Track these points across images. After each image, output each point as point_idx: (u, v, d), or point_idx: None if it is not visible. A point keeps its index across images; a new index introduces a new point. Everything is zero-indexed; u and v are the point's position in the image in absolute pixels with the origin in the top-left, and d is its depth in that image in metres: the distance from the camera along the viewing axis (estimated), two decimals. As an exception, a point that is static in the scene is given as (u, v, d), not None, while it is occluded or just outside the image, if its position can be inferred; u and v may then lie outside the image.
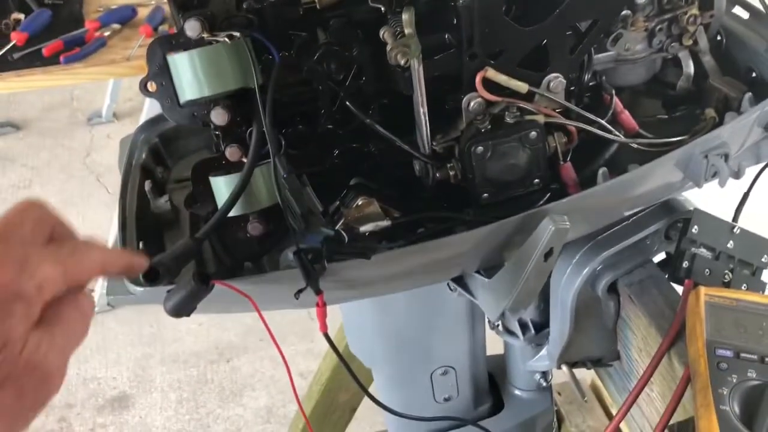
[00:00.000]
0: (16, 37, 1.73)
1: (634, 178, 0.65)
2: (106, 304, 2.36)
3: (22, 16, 1.81)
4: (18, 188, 2.96)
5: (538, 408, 1.12)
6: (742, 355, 0.67)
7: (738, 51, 0.78)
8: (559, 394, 2.03)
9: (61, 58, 1.68)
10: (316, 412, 1.59)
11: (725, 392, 0.65)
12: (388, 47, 0.59)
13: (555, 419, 1.96)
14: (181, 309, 0.59)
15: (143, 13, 1.89)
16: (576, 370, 0.98)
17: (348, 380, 1.58)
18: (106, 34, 1.80)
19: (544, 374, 1.10)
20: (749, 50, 0.76)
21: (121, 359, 2.26)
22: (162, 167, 0.88)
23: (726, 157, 0.64)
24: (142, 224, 0.76)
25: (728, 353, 0.67)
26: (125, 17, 1.86)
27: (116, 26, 1.82)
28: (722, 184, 0.64)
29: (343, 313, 1.00)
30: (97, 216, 2.75)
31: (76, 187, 2.93)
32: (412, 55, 0.58)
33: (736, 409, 0.63)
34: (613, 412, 1.80)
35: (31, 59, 1.70)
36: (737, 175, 0.66)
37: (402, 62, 0.59)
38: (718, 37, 0.80)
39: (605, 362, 0.95)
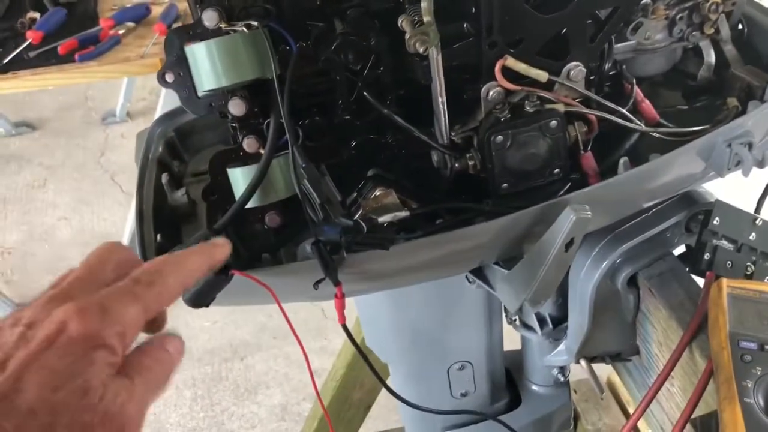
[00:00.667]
0: (31, 36, 1.74)
1: (656, 168, 0.64)
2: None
3: (37, 15, 1.83)
4: (33, 187, 2.98)
5: (555, 404, 1.11)
6: (767, 347, 0.66)
7: (760, 40, 0.77)
8: (575, 391, 2.01)
9: (76, 57, 1.69)
10: (330, 410, 1.58)
11: (749, 384, 0.64)
12: (407, 36, 0.58)
13: (571, 418, 1.95)
14: (201, 299, 0.58)
15: (157, 11, 1.90)
16: (592, 368, 0.98)
17: (363, 377, 1.57)
18: (121, 32, 1.80)
19: (562, 369, 1.09)
20: (771, 38, 0.75)
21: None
22: (178, 161, 0.88)
23: (750, 145, 0.63)
24: (160, 217, 0.76)
25: (752, 345, 0.67)
26: (139, 15, 1.87)
27: (130, 24, 1.83)
28: (746, 173, 0.63)
29: (359, 307, 1.00)
30: (111, 215, 2.77)
31: (91, 187, 2.95)
32: (431, 43, 0.57)
33: (761, 402, 0.62)
34: (630, 410, 1.79)
35: (46, 57, 1.71)
36: (761, 164, 0.65)
37: (421, 50, 0.58)
38: (740, 26, 0.79)
39: (624, 357, 0.94)
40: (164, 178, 0.78)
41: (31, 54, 1.72)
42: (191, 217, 0.79)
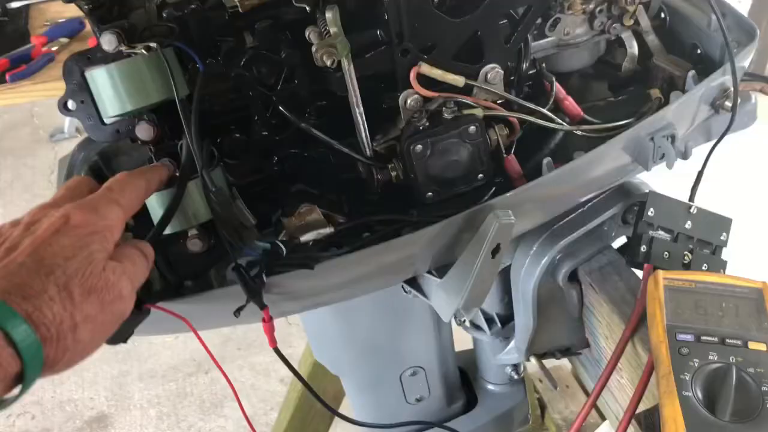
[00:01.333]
0: (-41, 58, 1.68)
1: (580, 166, 0.63)
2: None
3: (-36, 36, 1.77)
4: (-18, 211, 2.90)
5: (512, 401, 1.11)
6: (703, 338, 0.66)
7: (683, 28, 0.77)
8: (540, 381, 2.02)
9: (7, 77, 1.64)
10: (294, 420, 1.56)
11: (687, 377, 0.63)
12: (314, 48, 0.56)
13: (538, 408, 1.95)
14: (116, 335, 0.56)
15: (91, 25, 1.85)
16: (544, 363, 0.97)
17: (325, 385, 1.55)
18: (54, 48, 1.75)
19: (516, 367, 1.08)
20: (693, 27, 0.75)
21: (97, 378, 2.22)
22: (104, 185, 0.85)
23: (672, 138, 0.62)
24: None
25: (689, 337, 0.66)
26: (73, 31, 1.82)
27: (64, 40, 1.78)
28: (670, 166, 0.63)
29: (305, 322, 0.98)
30: (64, 234, 2.70)
31: (42, 206, 2.87)
32: (339, 54, 0.56)
33: (699, 394, 0.62)
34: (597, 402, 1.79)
35: (-25, 79, 1.66)
36: (684, 155, 0.65)
37: (328, 63, 0.56)
38: (662, 15, 0.78)
39: (575, 351, 0.94)
40: (85, 205, 0.75)
41: (-40, 77, 1.67)
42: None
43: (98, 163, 0.85)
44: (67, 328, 0.47)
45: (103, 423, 2.10)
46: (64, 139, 3.18)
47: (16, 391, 0.46)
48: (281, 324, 2.27)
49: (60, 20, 1.86)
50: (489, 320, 0.98)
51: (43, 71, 1.70)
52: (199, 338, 0.60)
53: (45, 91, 1.69)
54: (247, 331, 2.27)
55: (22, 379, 0.45)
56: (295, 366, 1.59)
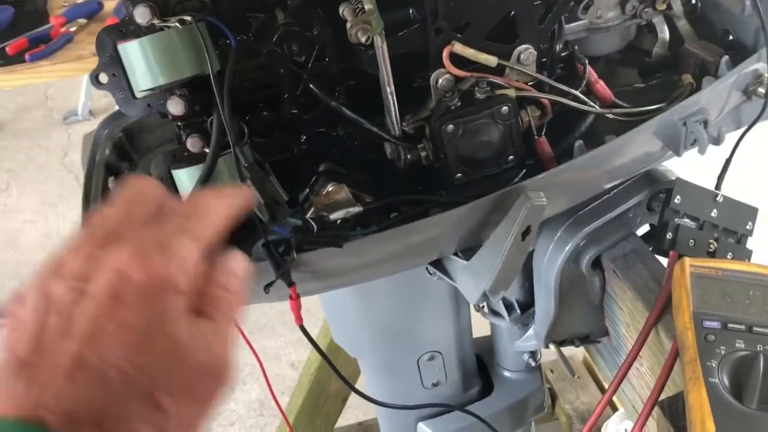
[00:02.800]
0: (-22, 37, 1.69)
1: (612, 150, 0.63)
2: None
3: (-17, 15, 1.77)
4: (-5, 192, 2.91)
5: (528, 388, 1.11)
6: (730, 325, 0.66)
7: (714, 14, 0.76)
8: (552, 371, 2.02)
9: (27, 56, 1.64)
10: (306, 404, 1.57)
11: (714, 364, 0.63)
12: (348, 25, 0.56)
13: (548, 398, 1.95)
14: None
15: (110, 6, 1.85)
16: (567, 348, 0.97)
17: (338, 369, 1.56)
18: (72, 29, 1.75)
19: (533, 354, 1.08)
20: (725, 13, 0.74)
21: (109, 360, 2.23)
22: (128, 162, 0.85)
23: (705, 123, 0.62)
24: (108, 223, 0.74)
25: (715, 324, 0.66)
26: (91, 11, 1.82)
27: (82, 21, 1.78)
28: (702, 151, 0.62)
29: (324, 304, 0.98)
30: (77, 216, 2.71)
31: (55, 188, 2.88)
32: (374, 32, 0.55)
33: (726, 381, 0.62)
34: (606, 387, 1.79)
35: (-6, 59, 1.66)
36: (717, 141, 0.64)
37: (363, 40, 0.56)
38: (693, 1, 0.77)
39: (593, 339, 0.93)
40: (111, 182, 0.75)
41: (-22, 56, 1.67)
42: (142, 221, 0.76)
43: (122, 140, 0.86)
44: None
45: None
46: (78, 121, 3.18)
47: None
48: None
49: (78, 1, 1.86)
50: (508, 306, 0.98)
51: (62, 51, 1.70)
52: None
53: (63, 71, 1.69)
54: (258, 315, 2.28)
55: None
56: (308, 352, 1.60)
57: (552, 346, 0.96)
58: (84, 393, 0.33)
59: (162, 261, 0.37)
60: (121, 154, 0.85)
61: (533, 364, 1.08)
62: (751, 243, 0.81)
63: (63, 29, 1.75)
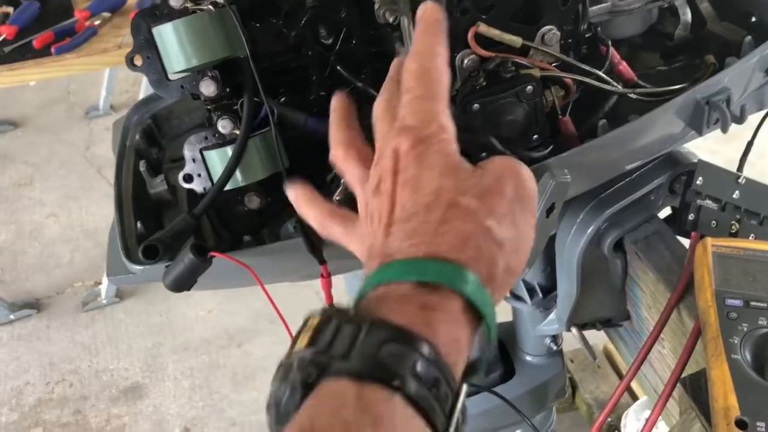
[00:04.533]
0: (5, 31, 1.72)
1: (635, 129, 0.64)
2: (114, 295, 2.37)
3: (10, 10, 1.80)
4: (19, 186, 2.96)
5: (549, 373, 1.12)
6: (752, 303, 0.66)
7: (737, -4, 0.76)
8: (572, 361, 2.02)
9: (53, 50, 1.67)
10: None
11: (736, 341, 0.64)
12: (376, 5, 0.57)
13: (569, 387, 1.95)
14: (181, 283, 0.58)
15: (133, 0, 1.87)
16: (588, 336, 0.98)
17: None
18: (97, 23, 1.78)
19: (555, 339, 1.09)
20: (747, -6, 0.74)
21: (132, 350, 2.26)
22: (157, 147, 0.87)
23: (728, 102, 0.62)
24: (140, 205, 0.76)
25: (738, 302, 0.67)
26: (115, 5, 1.84)
27: (106, 14, 1.81)
28: (725, 129, 0.63)
29: (350, 286, 0.99)
30: (99, 209, 2.75)
31: (77, 182, 2.92)
32: (402, 11, 0.57)
33: (748, 357, 0.63)
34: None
35: (22, 52, 1.69)
36: (740, 120, 0.65)
37: (391, 20, 0.57)
38: (716, -17, 0.78)
39: (615, 323, 0.94)
40: (142, 165, 0.77)
41: (6, 49, 1.70)
42: (172, 203, 0.78)
43: (151, 126, 0.88)
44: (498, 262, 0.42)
45: (138, 393, 2.15)
46: (99, 116, 3.22)
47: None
48: (313, 299, 2.29)
49: (102, -5, 1.89)
50: (530, 290, 0.99)
51: (86, 45, 1.72)
52: (264, 288, 0.61)
53: (89, 65, 1.72)
54: (279, 305, 2.30)
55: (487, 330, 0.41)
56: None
57: (574, 330, 0.97)
58: (457, 230, 0.41)
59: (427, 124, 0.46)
60: (150, 139, 0.87)
61: (554, 348, 1.09)
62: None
63: (87, 23, 1.78)
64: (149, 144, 0.86)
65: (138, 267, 0.65)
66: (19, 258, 2.62)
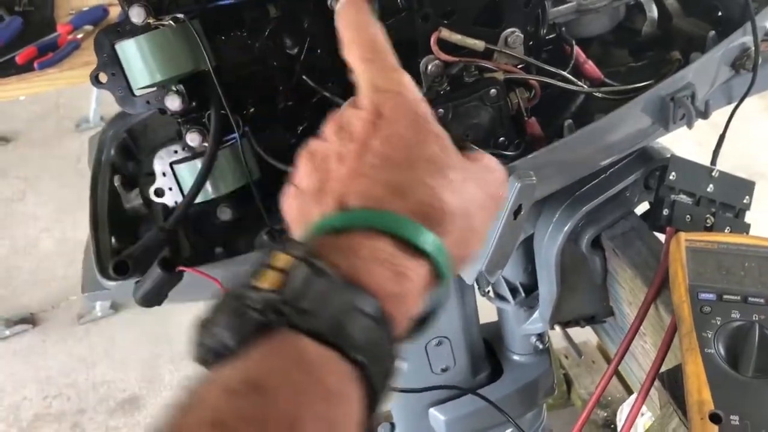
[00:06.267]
0: (-12, 47, 1.72)
1: (601, 127, 0.64)
2: (109, 307, 2.37)
3: (-7, 26, 1.80)
4: (12, 201, 2.96)
5: (537, 371, 1.12)
6: (725, 297, 0.67)
7: (702, -10, 0.77)
8: (566, 357, 2.03)
9: (36, 65, 1.67)
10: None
11: (710, 335, 0.64)
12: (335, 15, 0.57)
13: (564, 383, 1.95)
14: (151, 298, 0.58)
15: (115, 12, 1.87)
16: (582, 332, 0.98)
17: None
18: (79, 36, 1.78)
19: (540, 337, 1.09)
20: (713, -12, 0.75)
21: (129, 361, 2.26)
22: (133, 161, 0.87)
23: (692, 97, 0.63)
24: (115, 220, 0.76)
25: (711, 296, 0.67)
26: (97, 18, 1.84)
27: (89, 28, 1.81)
28: (690, 125, 0.63)
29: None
30: (92, 221, 2.75)
31: (71, 195, 2.92)
32: (362, 20, 0.57)
33: (722, 351, 0.63)
34: (622, 371, 1.80)
35: (5, 68, 1.69)
36: (705, 115, 0.65)
37: (351, 29, 0.57)
38: (682, -21, 0.78)
39: (599, 319, 0.94)
40: (117, 180, 0.77)
41: (-11, 66, 1.70)
42: (148, 217, 0.78)
43: (127, 141, 0.88)
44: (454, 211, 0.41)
45: (136, 404, 2.15)
46: (90, 128, 3.22)
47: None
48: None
49: (84, 8, 1.89)
50: (513, 290, 0.99)
51: (69, 59, 1.72)
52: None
53: (72, 78, 1.72)
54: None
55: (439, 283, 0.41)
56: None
57: (557, 328, 0.97)
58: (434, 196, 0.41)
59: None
60: (126, 154, 0.87)
61: (541, 346, 1.09)
62: (749, 217, 0.82)
63: (70, 37, 1.78)
64: (126, 158, 0.86)
65: (112, 283, 0.65)
66: (13, 273, 2.62)
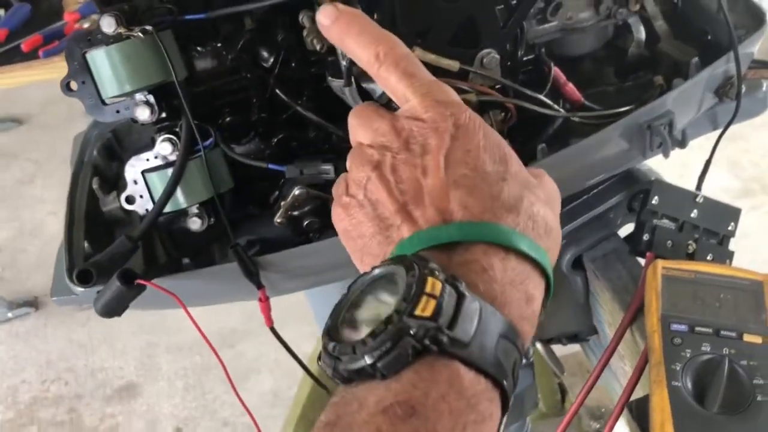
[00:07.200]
0: (-5, 34, 1.73)
1: (576, 152, 0.63)
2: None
3: (1, 12, 1.81)
4: (22, 183, 2.98)
5: (521, 385, 1.11)
6: (697, 328, 0.65)
7: (694, 13, 0.75)
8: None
9: (40, 53, 1.68)
10: (312, 397, 1.59)
11: (678, 368, 0.63)
12: (305, 32, 0.57)
13: (558, 393, 1.94)
14: (111, 309, 0.58)
15: (124, 2, 1.88)
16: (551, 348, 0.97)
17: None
18: (86, 25, 1.78)
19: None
20: (704, 12, 0.73)
21: (127, 349, 2.28)
22: (117, 162, 0.87)
23: (670, 126, 0.61)
24: (92, 224, 0.76)
25: (683, 327, 0.66)
26: (105, 8, 1.85)
27: (95, 17, 1.81)
28: (666, 155, 0.62)
29: (311, 300, 0.99)
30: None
31: (79, 180, 2.94)
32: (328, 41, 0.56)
33: (689, 385, 0.62)
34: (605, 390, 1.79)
35: (11, 55, 1.70)
36: (682, 144, 0.64)
37: (318, 47, 0.57)
38: (675, 0, 0.77)
39: (582, 338, 0.94)
40: (95, 183, 0.77)
41: (-4, 52, 1.72)
42: (125, 222, 0.78)
43: (111, 141, 0.87)
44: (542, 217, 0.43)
45: (132, 392, 2.16)
46: (101, 114, 3.24)
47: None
48: (305, 303, 2.28)
49: (93, -3, 1.89)
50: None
51: (75, 48, 1.73)
52: (189, 314, 0.61)
53: (76, 67, 1.72)
54: (272, 308, 2.31)
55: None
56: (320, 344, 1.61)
57: (538, 345, 0.96)
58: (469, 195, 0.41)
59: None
60: (109, 154, 0.87)
61: (525, 361, 1.09)
62: (733, 244, 0.80)
63: (77, 25, 1.79)
64: (109, 158, 0.86)
65: (79, 289, 0.65)
66: (19, 256, 2.64)
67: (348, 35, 0.48)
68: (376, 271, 0.39)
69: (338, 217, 0.46)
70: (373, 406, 0.34)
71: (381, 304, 0.37)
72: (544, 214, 0.43)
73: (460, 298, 0.36)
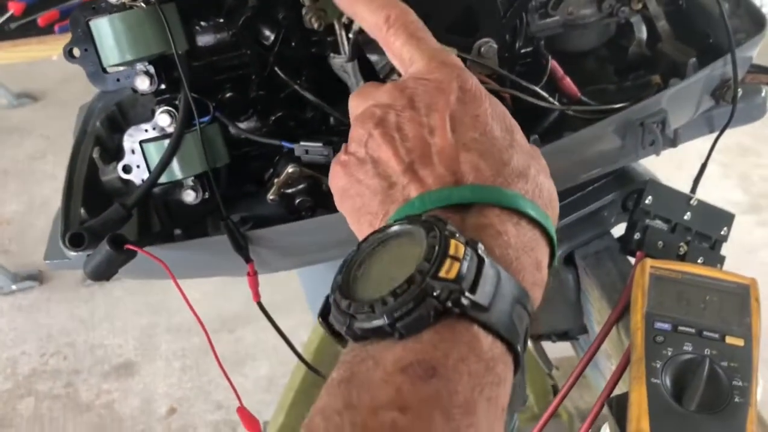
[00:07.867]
0: (13, 7, 1.74)
1: (568, 145, 0.63)
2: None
3: (20, -14, 1.82)
4: (34, 159, 3.01)
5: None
6: (680, 328, 0.66)
7: (697, 15, 0.75)
8: (557, 368, 2.01)
9: (56, 28, 1.69)
10: (305, 383, 1.60)
11: (658, 365, 0.63)
12: (304, 11, 0.58)
13: (551, 392, 1.94)
14: (100, 273, 0.59)
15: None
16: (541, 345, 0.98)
17: (337, 349, 1.58)
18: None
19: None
20: (706, 14, 0.73)
21: (127, 327, 2.30)
22: (120, 134, 0.88)
23: (662, 125, 0.62)
24: (91, 192, 0.77)
25: (666, 326, 0.66)
26: (123, -13, 1.86)
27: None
28: (657, 152, 0.62)
29: (303, 280, 1.00)
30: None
31: (90, 158, 2.97)
32: (328, 19, 0.57)
33: (668, 383, 0.62)
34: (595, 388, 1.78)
35: (26, 29, 1.71)
36: (673, 143, 0.64)
37: (316, 26, 0.57)
38: (680, 1, 0.77)
39: (572, 336, 0.94)
40: (96, 152, 0.78)
41: (13, 25, 1.73)
42: (123, 191, 0.79)
43: (115, 113, 0.89)
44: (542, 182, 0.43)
45: (130, 370, 2.18)
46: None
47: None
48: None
49: (112, -24, 1.90)
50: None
51: (91, 25, 1.74)
52: (176, 283, 0.62)
53: (91, 44, 1.74)
54: (272, 294, 2.31)
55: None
56: (319, 331, 1.61)
57: (529, 341, 0.97)
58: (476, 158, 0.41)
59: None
60: (113, 125, 0.88)
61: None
62: (725, 249, 0.80)
63: None
64: (112, 130, 0.87)
65: (72, 253, 0.66)
66: (27, 230, 2.67)
67: (359, 0, 0.48)
68: (392, 229, 0.38)
69: (336, 175, 0.45)
70: (390, 365, 0.33)
71: (397, 264, 0.36)
72: (549, 185, 0.43)
73: (480, 262, 0.36)
